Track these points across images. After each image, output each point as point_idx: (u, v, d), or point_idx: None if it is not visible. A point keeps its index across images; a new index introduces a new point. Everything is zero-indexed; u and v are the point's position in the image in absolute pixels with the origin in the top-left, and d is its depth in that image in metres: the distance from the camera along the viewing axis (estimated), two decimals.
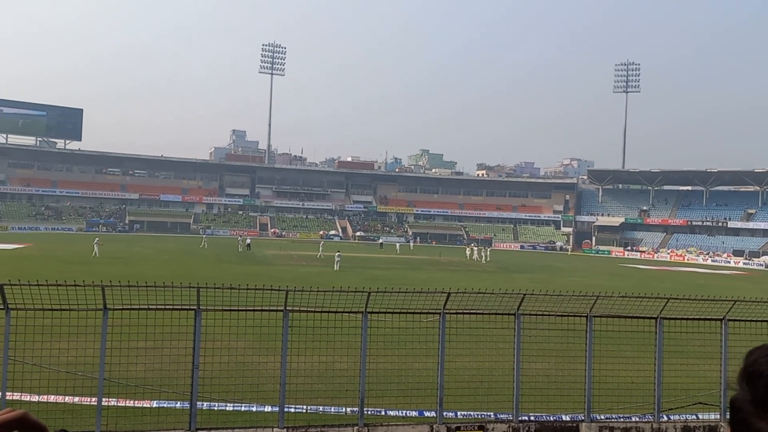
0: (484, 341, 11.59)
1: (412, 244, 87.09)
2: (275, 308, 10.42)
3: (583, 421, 11.13)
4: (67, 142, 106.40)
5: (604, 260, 76.84)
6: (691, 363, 12.35)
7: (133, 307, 10.05)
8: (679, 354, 12.30)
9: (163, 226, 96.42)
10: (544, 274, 46.40)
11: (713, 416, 11.74)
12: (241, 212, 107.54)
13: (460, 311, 11.25)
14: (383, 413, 11.51)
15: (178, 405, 11.03)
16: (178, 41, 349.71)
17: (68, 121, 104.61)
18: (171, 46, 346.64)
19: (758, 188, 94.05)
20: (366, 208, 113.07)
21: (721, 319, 11.61)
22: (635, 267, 64.30)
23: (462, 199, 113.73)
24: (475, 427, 10.71)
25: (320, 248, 57.24)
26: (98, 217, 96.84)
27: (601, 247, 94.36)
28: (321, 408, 11.41)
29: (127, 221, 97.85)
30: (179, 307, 10.11)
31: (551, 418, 11.41)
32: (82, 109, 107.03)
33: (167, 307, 10.00)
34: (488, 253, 62.95)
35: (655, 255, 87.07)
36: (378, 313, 11.01)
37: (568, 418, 11.42)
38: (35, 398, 10.49)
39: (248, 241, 64.54)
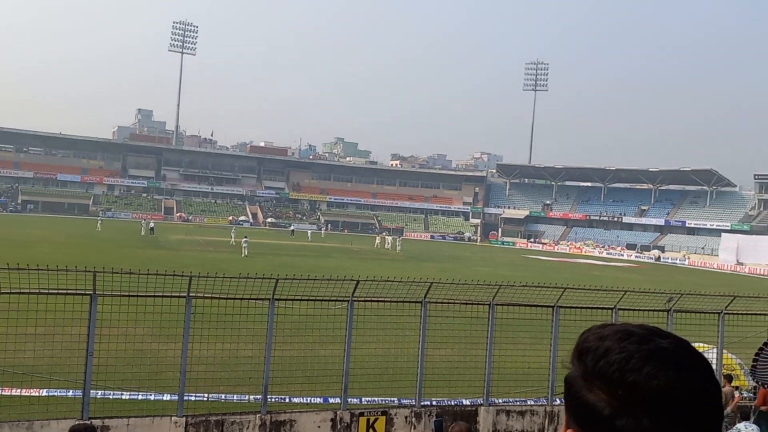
0: (391, 328, 11.76)
1: (323, 231, 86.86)
2: (177, 294, 10.11)
3: (482, 405, 11.53)
4: None
5: (509, 251, 79.72)
6: None
7: (23, 290, 9.44)
8: (573, 341, 12.79)
9: (59, 207, 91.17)
10: (451, 264, 47.57)
11: None
12: (145, 195, 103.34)
13: (369, 299, 11.34)
14: (288, 400, 11.46)
15: (71, 393, 10.52)
16: (80, 15, 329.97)
17: None
18: (71, 20, 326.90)
19: (651, 186, 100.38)
20: (278, 194, 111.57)
21: (612, 308, 12.32)
22: (537, 258, 67.14)
23: (375, 189, 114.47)
24: (379, 413, 10.86)
25: (232, 234, 55.45)
26: None
27: (506, 239, 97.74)
28: (223, 396, 11.21)
29: (20, 201, 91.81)
30: (74, 291, 9.60)
31: (452, 403, 11.76)
32: None
33: (60, 291, 9.47)
34: (398, 242, 63.67)
35: (556, 247, 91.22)
36: (286, 300, 10.91)
37: (468, 403, 11.80)
38: None
39: (152, 224, 62.19)
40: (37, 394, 10.74)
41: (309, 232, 77.18)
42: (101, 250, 38.57)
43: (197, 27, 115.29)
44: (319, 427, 10.47)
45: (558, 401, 12.20)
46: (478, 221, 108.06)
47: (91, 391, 9.63)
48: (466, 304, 11.75)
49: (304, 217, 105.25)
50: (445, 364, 12.46)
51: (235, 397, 11.34)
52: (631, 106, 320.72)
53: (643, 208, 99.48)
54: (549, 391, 11.91)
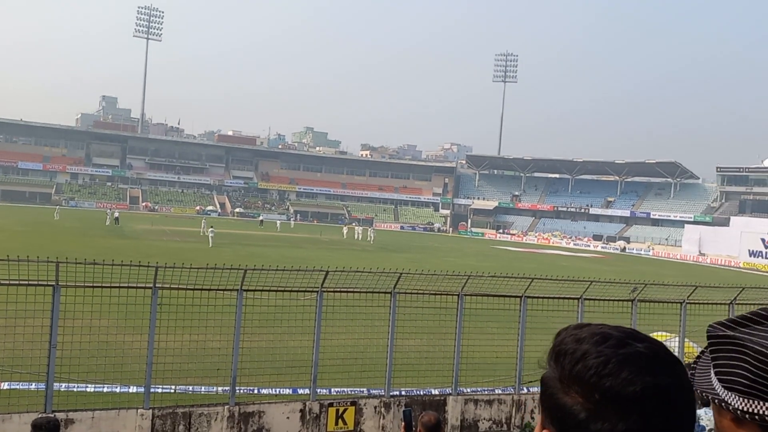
0: (361, 319, 11.76)
1: (292, 222, 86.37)
2: (143, 285, 9.94)
3: (450, 394, 11.62)
4: None
5: (478, 242, 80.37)
6: (550, 339, 13.17)
7: None
8: (540, 330, 13.08)
9: (20, 196, 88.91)
10: (421, 254, 47.76)
11: None
12: (109, 183, 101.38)
13: (338, 289, 11.31)
14: (256, 392, 11.39)
15: (33, 386, 10.28)
16: None
17: None
18: (35, 2, 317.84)
19: (618, 178, 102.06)
20: (246, 184, 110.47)
21: (578, 298, 12.50)
22: (505, 249, 67.82)
23: (345, 179, 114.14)
24: (348, 403, 10.86)
25: (202, 224, 53.49)
26: None
27: (475, 230, 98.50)
28: (191, 388, 11.08)
29: None
30: (35, 282, 9.37)
31: (421, 393, 11.83)
32: None
33: (22, 282, 9.23)
34: (371, 232, 63.59)
35: (524, 238, 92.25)
36: (254, 290, 10.82)
37: (437, 392, 11.88)
38: None
39: (116, 214, 61.17)
40: None
41: (278, 222, 76.67)
42: (63, 240, 37.74)
43: (163, 13, 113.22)
44: (288, 418, 10.44)
45: (525, 390, 12.37)
46: (447, 212, 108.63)
47: (55, 384, 9.44)
48: (436, 294, 11.80)
49: (273, 207, 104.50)
50: (414, 354, 12.52)
51: (202, 389, 11.23)
52: (599, 99, 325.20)
53: (609, 199, 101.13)
54: (516, 380, 12.06)
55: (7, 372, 10.64)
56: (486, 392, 12.20)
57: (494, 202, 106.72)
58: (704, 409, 10.49)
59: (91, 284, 9.62)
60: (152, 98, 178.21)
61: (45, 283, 9.38)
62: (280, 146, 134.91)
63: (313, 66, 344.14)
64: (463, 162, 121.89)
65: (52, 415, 8.29)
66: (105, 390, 10.64)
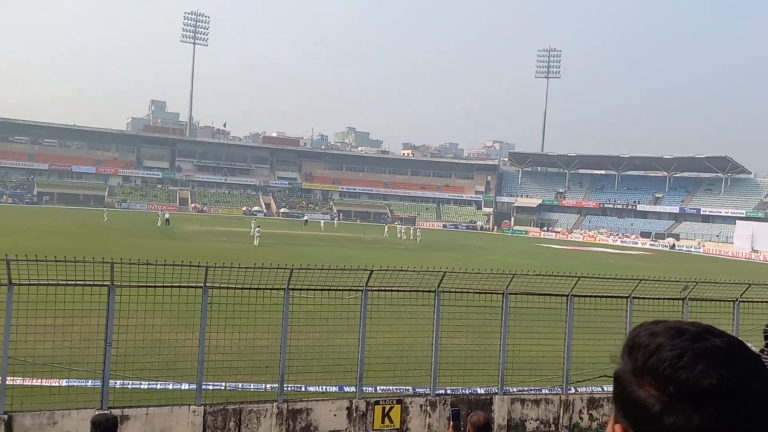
0: (405, 318, 11.79)
1: (336, 221, 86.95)
2: (194, 285, 10.20)
3: (496, 393, 11.56)
4: None
5: (522, 240, 79.47)
6: (598, 338, 12.99)
7: (41, 282, 9.57)
8: (587, 329, 12.92)
9: (75, 199, 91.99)
10: (464, 253, 47.51)
11: None
12: (160, 186, 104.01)
13: (382, 288, 11.37)
14: (304, 389, 11.55)
15: (90, 383, 10.66)
16: (95, 6, 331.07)
17: None
18: (85, 11, 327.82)
19: (666, 173, 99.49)
20: (291, 184, 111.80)
21: (627, 297, 12.27)
22: (550, 247, 66.87)
23: (387, 178, 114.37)
24: (394, 401, 10.92)
25: (252, 225, 50.96)
26: (3, 188, 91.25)
27: (519, 228, 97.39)
28: (240, 385, 11.31)
29: (35, 192, 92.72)
30: (91, 282, 9.71)
31: (467, 392, 11.80)
32: None
33: (78, 282, 9.58)
34: (418, 232, 63.34)
35: (569, 235, 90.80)
36: (300, 289, 10.97)
37: (482, 391, 11.83)
38: None
39: (167, 215, 62.68)
40: (57, 384, 10.89)
41: (322, 221, 77.37)
42: (117, 241, 38.91)
43: (209, 18, 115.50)
44: (335, 415, 10.56)
45: (573, 390, 12.21)
46: (490, 210, 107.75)
47: (110, 381, 9.76)
48: (480, 293, 11.76)
49: (317, 207, 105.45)
50: (459, 353, 12.48)
51: (252, 386, 11.44)
52: (645, 93, 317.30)
53: (658, 195, 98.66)
54: (564, 380, 11.91)
55: (65, 370, 11.03)
56: (533, 392, 12.09)
57: (538, 199, 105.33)
58: None
59: (145, 284, 9.93)
60: (199, 102, 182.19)
61: (101, 283, 9.71)
62: (323, 147, 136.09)
63: (356, 68, 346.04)
64: (506, 159, 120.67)
65: (109, 412, 8.60)
66: (158, 387, 10.95)
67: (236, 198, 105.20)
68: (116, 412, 9.18)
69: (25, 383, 10.20)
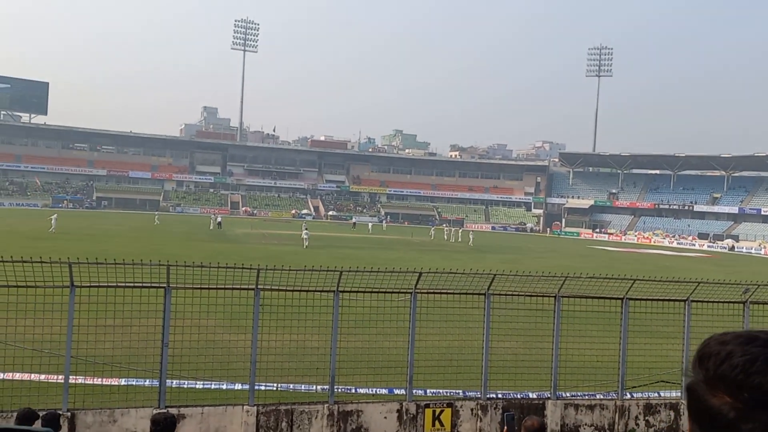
0: (455, 320, 11.71)
1: (385, 224, 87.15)
2: (246, 287, 10.38)
3: (549, 398, 11.36)
4: (32, 116, 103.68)
5: (573, 242, 78.02)
6: (655, 342, 12.66)
7: (101, 284, 9.91)
8: (643, 333, 12.59)
9: (131, 203, 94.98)
10: (514, 255, 46.93)
11: (674, 394, 12.09)
12: (212, 190, 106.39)
13: (431, 291, 11.34)
14: (354, 391, 11.61)
15: (147, 383, 10.98)
16: (149, 15, 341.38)
17: (33, 94, 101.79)
18: (140, 21, 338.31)
19: (724, 173, 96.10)
20: (339, 187, 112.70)
21: (684, 300, 11.90)
22: (603, 249, 65.43)
23: (434, 180, 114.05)
24: (444, 405, 10.86)
25: (303, 228, 48.83)
26: (64, 193, 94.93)
27: (570, 229, 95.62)
28: (292, 386, 11.45)
29: (94, 197, 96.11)
30: (149, 284, 10.00)
31: (518, 396, 11.63)
32: (47, 83, 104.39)
33: (136, 284, 9.88)
34: (470, 235, 62.81)
35: (623, 237, 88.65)
36: (349, 292, 11.03)
37: (534, 396, 11.65)
38: (1, 375, 10.33)
39: (219, 219, 64.00)
40: (116, 383, 11.25)
41: (370, 224, 77.74)
42: (172, 244, 39.97)
43: (258, 25, 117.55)
44: (385, 418, 10.57)
45: (628, 395, 11.90)
46: (540, 211, 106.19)
47: (167, 381, 10.01)
48: (531, 296, 11.59)
49: (365, 210, 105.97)
50: (510, 356, 12.32)
51: (303, 387, 11.57)
52: (700, 91, 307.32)
53: (716, 195, 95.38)
54: (619, 385, 11.62)
55: (124, 369, 11.39)
56: (587, 397, 11.83)
57: (590, 200, 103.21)
58: None
59: (199, 286, 10.16)
60: (249, 107, 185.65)
61: (157, 285, 9.98)
62: (370, 149, 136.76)
63: (402, 71, 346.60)
64: (556, 160, 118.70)
65: (166, 410, 8.83)
66: (212, 387, 11.18)
67: (285, 201, 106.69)
68: (173, 410, 9.40)
69: (86, 382, 10.55)
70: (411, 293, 10.96)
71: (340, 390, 10.93)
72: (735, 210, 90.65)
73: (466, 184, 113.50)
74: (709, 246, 79.50)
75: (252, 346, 10.16)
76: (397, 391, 11.53)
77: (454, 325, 11.94)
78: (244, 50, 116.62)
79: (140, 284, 9.91)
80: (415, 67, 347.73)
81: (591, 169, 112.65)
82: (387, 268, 11.17)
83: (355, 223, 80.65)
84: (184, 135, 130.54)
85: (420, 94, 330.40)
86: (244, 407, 10.03)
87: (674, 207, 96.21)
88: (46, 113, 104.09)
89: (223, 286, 10.23)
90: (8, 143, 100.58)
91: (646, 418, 11.62)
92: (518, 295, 11.61)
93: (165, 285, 9.92)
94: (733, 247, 77.38)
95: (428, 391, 11.82)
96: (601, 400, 11.73)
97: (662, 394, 12.30)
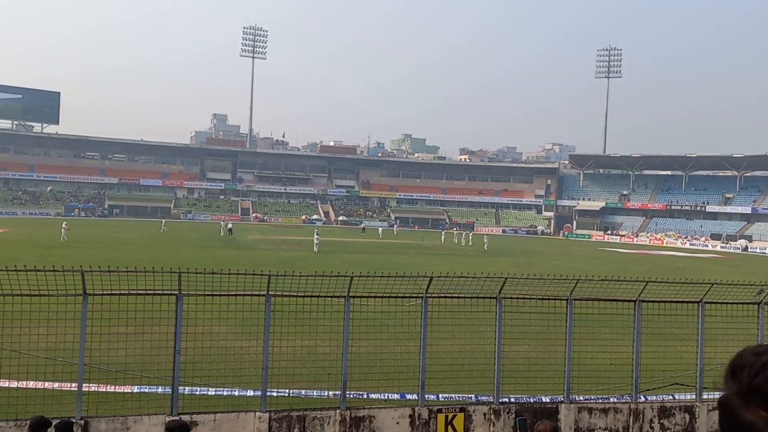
0: (466, 325, 11.69)
1: (395, 228, 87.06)
2: (257, 293, 10.39)
3: (562, 402, 11.28)
4: (44, 125, 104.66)
5: (584, 244, 77.63)
6: (668, 345, 12.56)
7: (113, 292, 9.96)
8: (656, 336, 12.50)
9: (143, 211, 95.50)
10: (525, 258, 46.76)
11: (689, 396, 11.97)
12: (222, 197, 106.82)
13: (443, 295, 11.30)
14: (366, 396, 11.58)
15: (160, 390, 11.01)
16: (157, 23, 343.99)
17: (45, 104, 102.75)
18: (148, 28, 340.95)
19: (736, 173, 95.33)
20: (348, 192, 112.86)
21: (698, 302, 11.79)
22: (615, 251, 65.05)
23: (444, 184, 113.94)
24: (457, 410, 10.81)
25: (315, 233, 48.68)
26: (77, 201, 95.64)
27: (581, 231, 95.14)
28: (303, 392, 11.44)
29: (106, 206, 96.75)
30: (160, 292, 10.03)
31: (531, 400, 11.56)
32: (59, 92, 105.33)
33: (148, 292, 9.92)
34: (485, 239, 62.42)
35: (635, 239, 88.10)
36: (360, 297, 11.02)
37: (547, 400, 11.57)
38: (14, 384, 10.40)
39: (230, 225, 64.21)
40: (129, 390, 11.28)
41: (380, 229, 77.69)
42: (184, 251, 40.14)
43: (267, 32, 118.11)
44: (397, 423, 10.53)
45: (642, 398, 11.80)
46: (551, 214, 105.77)
47: (179, 388, 10.03)
48: (543, 299, 11.54)
49: (375, 215, 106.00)
50: (522, 360, 12.27)
51: (314, 393, 11.57)
52: (711, 89, 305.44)
53: (728, 196, 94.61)
54: (633, 388, 11.53)
55: (136, 377, 11.42)
56: (600, 400, 11.74)
57: (601, 202, 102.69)
58: None
59: (211, 293, 10.18)
60: (259, 113, 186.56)
61: (169, 292, 10.02)
62: (379, 154, 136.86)
63: (411, 75, 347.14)
64: (566, 162, 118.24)
65: (180, 418, 8.84)
66: (225, 393, 11.20)
67: (295, 207, 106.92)
68: (185, 418, 9.43)
69: (99, 389, 10.61)
70: (422, 298, 10.94)
71: (352, 395, 10.91)
72: (748, 210, 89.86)
73: (475, 187, 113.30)
74: (722, 247, 78.83)
75: (264, 352, 10.16)
76: (409, 396, 11.50)
77: (466, 329, 11.91)
78: (253, 57, 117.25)
79: (152, 292, 9.94)
80: (424, 72, 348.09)
81: (601, 170, 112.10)
82: (398, 273, 11.15)
83: (364, 228, 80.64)
84: (195, 142, 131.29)
85: (429, 98, 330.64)
86: (257, 413, 10.03)
87: (686, 208, 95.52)
88: (58, 123, 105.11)
89: (234, 293, 10.25)
90: (21, 153, 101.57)
91: (661, 421, 11.51)
92: (530, 298, 11.55)
93: (177, 292, 9.95)
94: (746, 247, 76.70)
95: (440, 395, 11.78)
96: (615, 403, 11.64)
97: (677, 397, 12.19)
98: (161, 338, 10.11)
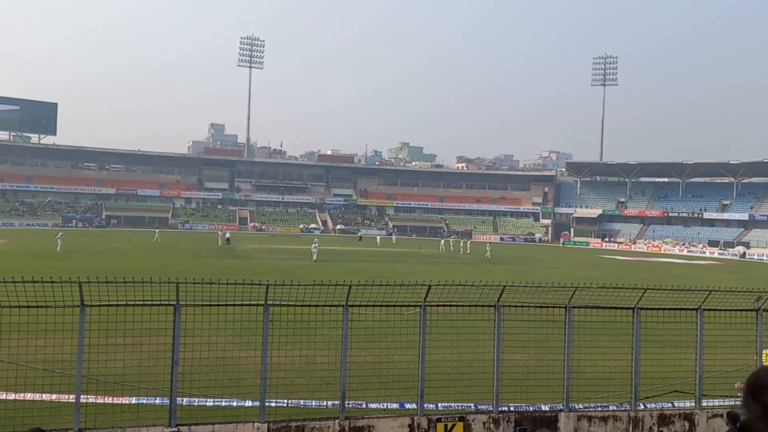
0: (465, 333, 11.66)
1: (394, 236, 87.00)
2: (255, 303, 10.37)
3: (561, 410, 11.26)
4: (42, 136, 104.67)
5: (582, 251, 77.66)
6: (667, 352, 12.56)
7: (111, 303, 9.93)
8: (655, 343, 12.50)
9: (140, 221, 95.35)
10: (523, 266, 46.75)
11: (688, 404, 11.95)
12: (220, 206, 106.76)
13: (441, 303, 11.29)
14: (364, 406, 11.55)
15: (158, 401, 10.96)
16: (154, 32, 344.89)
17: (42, 115, 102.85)
18: (144, 37, 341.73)
19: (733, 179, 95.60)
20: (346, 201, 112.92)
21: (696, 309, 11.79)
22: (613, 258, 65.08)
23: (442, 192, 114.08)
24: (456, 419, 10.78)
25: (314, 241, 49.10)
26: (74, 212, 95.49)
27: (579, 239, 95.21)
28: (302, 402, 11.40)
29: (103, 216, 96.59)
30: (158, 302, 10.00)
31: (531, 408, 11.53)
32: (56, 104, 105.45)
33: (146, 302, 9.88)
34: (486, 247, 62.17)
35: (632, 246, 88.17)
36: (359, 306, 11.00)
37: (547, 408, 11.54)
38: (12, 396, 10.34)
39: (227, 235, 64.12)
40: (127, 402, 11.23)
41: (378, 237, 77.68)
42: (181, 261, 40.07)
43: (264, 42, 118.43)
44: None
45: (642, 406, 11.78)
46: (548, 222, 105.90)
47: (178, 398, 9.98)
48: (542, 307, 11.53)
49: (372, 223, 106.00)
50: (521, 368, 12.25)
51: (313, 403, 11.52)
52: (707, 97, 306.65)
53: (725, 202, 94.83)
54: (632, 396, 11.51)
55: (135, 387, 11.38)
56: (600, 408, 11.72)
57: (598, 209, 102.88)
58: None
59: (209, 303, 10.16)
60: (256, 122, 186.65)
61: (167, 302, 9.99)
62: (377, 163, 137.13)
63: (408, 84, 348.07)
64: (563, 170, 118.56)
65: (178, 429, 8.81)
66: (223, 404, 11.16)
67: (293, 216, 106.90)
68: (183, 429, 9.40)
69: (97, 401, 10.55)
70: (421, 306, 10.93)
71: (350, 405, 10.87)
72: (745, 217, 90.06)
73: (473, 195, 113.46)
74: (719, 253, 78.91)
75: (262, 363, 10.13)
76: (408, 406, 11.46)
77: (465, 338, 11.89)
78: (250, 67, 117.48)
79: (150, 302, 9.91)
80: (422, 81, 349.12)
81: (598, 178, 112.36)
82: (396, 281, 11.14)
83: (361, 237, 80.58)
84: (192, 152, 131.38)
85: (426, 106, 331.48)
86: (255, 424, 9.99)
87: (683, 215, 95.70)
88: (55, 133, 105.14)
89: (232, 303, 10.22)
90: (18, 164, 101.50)
91: (660, 429, 11.49)
92: (528, 306, 11.54)
93: (174, 302, 9.92)
94: (744, 254, 76.78)
95: (440, 404, 11.74)
96: (614, 411, 11.62)
97: (676, 405, 12.17)
98: (159, 349, 10.07)
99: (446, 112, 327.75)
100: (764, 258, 73.91)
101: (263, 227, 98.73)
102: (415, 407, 10.88)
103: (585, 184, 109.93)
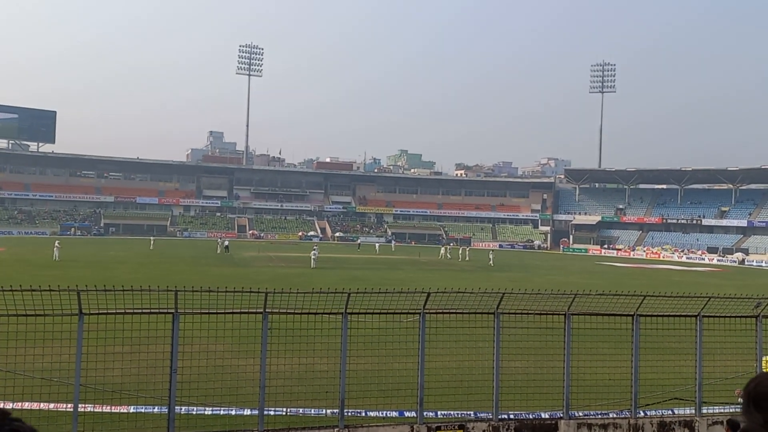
0: (464, 340, 11.64)
1: (394, 244, 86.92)
2: (254, 311, 10.35)
3: (561, 418, 11.23)
4: (40, 144, 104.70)
5: (581, 258, 77.62)
6: (667, 359, 12.54)
7: (109, 311, 9.90)
8: (655, 350, 12.48)
9: (139, 229, 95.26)
10: (522, 273, 46.72)
11: (689, 411, 11.92)
12: (219, 214, 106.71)
13: (440, 311, 11.28)
14: (364, 414, 11.50)
15: (156, 410, 10.91)
16: (153, 38, 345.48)
17: (41, 123, 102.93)
18: (142, 45, 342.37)
19: (732, 186, 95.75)
20: (345, 208, 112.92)
21: (696, 316, 11.79)
22: (612, 265, 65.04)
23: (441, 199, 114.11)
24: (455, 427, 10.74)
25: (313, 248, 49.90)
26: (73, 220, 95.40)
27: (578, 246, 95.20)
28: (301, 410, 11.36)
29: (102, 224, 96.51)
30: (156, 310, 9.98)
31: (530, 416, 11.50)
32: (55, 111, 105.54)
33: (144, 311, 9.86)
34: (490, 254, 61.70)
35: (631, 253, 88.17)
36: (358, 313, 10.99)
37: (547, 416, 11.51)
38: (9, 405, 10.29)
39: (226, 242, 64.04)
40: (125, 410, 11.18)
41: (377, 244, 77.65)
42: (180, 270, 40.00)
43: (263, 49, 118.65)
44: None
45: (642, 413, 11.74)
46: (547, 229, 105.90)
47: (176, 407, 9.94)
48: (541, 314, 11.51)
49: (371, 230, 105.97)
50: (521, 376, 12.22)
51: (312, 411, 11.48)
52: (705, 103, 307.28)
53: (724, 209, 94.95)
54: (632, 403, 11.48)
55: (133, 396, 11.33)
56: (599, 416, 11.68)
57: (597, 216, 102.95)
58: None
59: (207, 311, 10.13)
60: (255, 130, 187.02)
61: (165, 310, 9.97)
62: (375, 170, 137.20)
63: (407, 91, 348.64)
64: (562, 177, 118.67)
65: None
66: (222, 413, 11.11)
67: (292, 223, 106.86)
68: None
69: (95, 410, 10.51)
70: (420, 314, 10.91)
71: (350, 413, 10.83)
72: (744, 223, 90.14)
73: (472, 202, 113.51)
74: (718, 260, 78.93)
75: (261, 371, 10.10)
76: (407, 414, 11.42)
77: (464, 345, 11.86)
78: (249, 75, 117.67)
79: (148, 310, 9.88)
80: (420, 87, 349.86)
81: (597, 185, 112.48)
82: (395, 289, 11.12)
83: (360, 244, 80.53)
84: (191, 160, 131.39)
85: (425, 113, 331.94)
86: None
87: (682, 221, 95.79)
88: (53, 142, 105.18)
89: (230, 311, 10.20)
90: (17, 172, 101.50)
91: None
92: (528, 313, 11.53)
93: (173, 311, 9.90)
94: (743, 260, 76.81)
95: (439, 412, 11.70)
96: (614, 418, 11.58)
97: (676, 412, 12.15)
98: (157, 357, 10.04)
99: (446, 119, 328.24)
100: (763, 264, 73.93)
101: (262, 235, 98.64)
102: (415, 415, 10.84)
103: (584, 191, 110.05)
